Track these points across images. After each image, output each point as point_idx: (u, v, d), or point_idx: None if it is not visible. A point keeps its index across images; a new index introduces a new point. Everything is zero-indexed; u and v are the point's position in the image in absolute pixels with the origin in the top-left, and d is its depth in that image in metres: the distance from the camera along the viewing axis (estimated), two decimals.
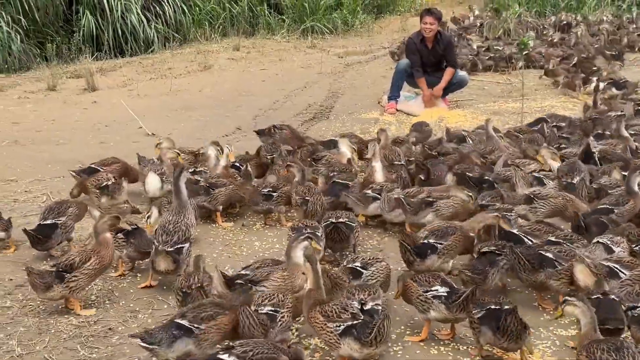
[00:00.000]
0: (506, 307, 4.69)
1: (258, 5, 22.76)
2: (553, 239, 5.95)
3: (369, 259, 5.61)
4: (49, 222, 6.64)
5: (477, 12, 25.32)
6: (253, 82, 15.96)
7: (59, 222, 6.64)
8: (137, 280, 6.09)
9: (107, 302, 5.70)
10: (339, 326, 4.54)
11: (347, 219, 6.51)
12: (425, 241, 5.90)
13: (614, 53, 16.35)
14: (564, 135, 9.65)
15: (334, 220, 6.46)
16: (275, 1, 23.63)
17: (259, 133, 10.08)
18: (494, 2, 26.13)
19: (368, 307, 4.84)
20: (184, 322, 4.60)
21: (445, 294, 4.96)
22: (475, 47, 18.30)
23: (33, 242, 6.57)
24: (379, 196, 7.18)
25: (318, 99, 14.26)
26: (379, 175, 7.74)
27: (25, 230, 6.55)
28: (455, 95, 13.70)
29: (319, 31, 22.69)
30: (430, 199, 6.88)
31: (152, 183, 7.61)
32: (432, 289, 5.02)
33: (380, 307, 4.86)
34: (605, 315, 4.72)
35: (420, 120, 11.71)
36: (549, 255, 5.48)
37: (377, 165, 7.82)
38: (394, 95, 12.91)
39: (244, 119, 12.60)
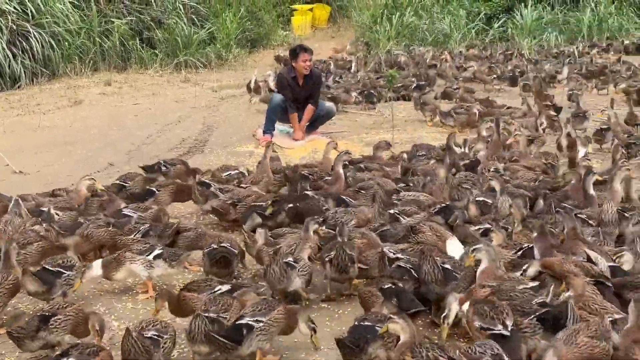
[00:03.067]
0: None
1: (130, 40, 22.48)
2: None
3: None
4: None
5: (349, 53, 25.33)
6: (126, 117, 15.74)
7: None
8: None
9: None
10: None
11: (229, 244, 6.57)
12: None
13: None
14: None
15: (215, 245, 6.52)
16: (147, 35, 23.44)
17: (146, 169, 9.87)
18: (365, 36, 26.72)
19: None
20: None
21: None
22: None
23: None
24: None
25: (192, 132, 14.19)
26: None
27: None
28: (328, 128, 13.93)
29: (192, 65, 22.62)
30: None
31: None
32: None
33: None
34: None
35: (295, 152, 11.95)
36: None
37: None
38: (269, 129, 12.98)
39: (116, 154, 12.39)
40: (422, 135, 13.24)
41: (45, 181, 10.08)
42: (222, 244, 6.53)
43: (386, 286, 5.63)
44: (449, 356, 4.54)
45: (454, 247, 6.47)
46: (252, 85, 16.99)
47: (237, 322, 5.12)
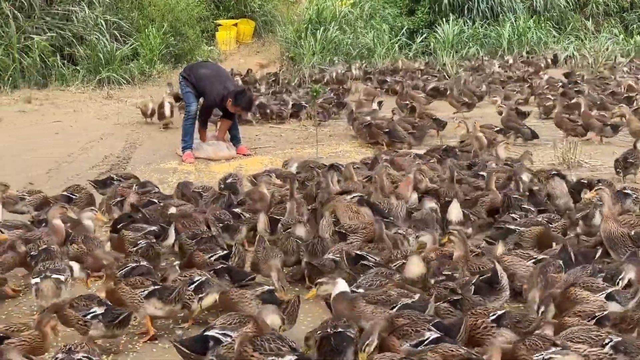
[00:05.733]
0: None
1: (50, 57, 22.00)
2: None
3: None
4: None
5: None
6: (46, 135, 15.40)
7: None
8: None
9: None
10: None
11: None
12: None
13: None
14: None
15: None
16: (69, 52, 22.99)
17: (97, 184, 10.02)
18: (290, 51, 26.79)
19: None
20: None
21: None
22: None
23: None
24: None
25: (115, 150, 13.98)
26: None
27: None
28: (254, 144, 13.94)
29: (115, 81, 22.26)
30: None
31: None
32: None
33: None
34: None
35: (220, 167, 11.99)
36: None
37: None
38: (188, 144, 12.94)
39: (36, 173, 12.13)
40: (346, 150, 13.35)
41: None
42: None
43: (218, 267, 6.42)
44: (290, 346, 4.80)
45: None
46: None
47: (204, 333, 5.11)
